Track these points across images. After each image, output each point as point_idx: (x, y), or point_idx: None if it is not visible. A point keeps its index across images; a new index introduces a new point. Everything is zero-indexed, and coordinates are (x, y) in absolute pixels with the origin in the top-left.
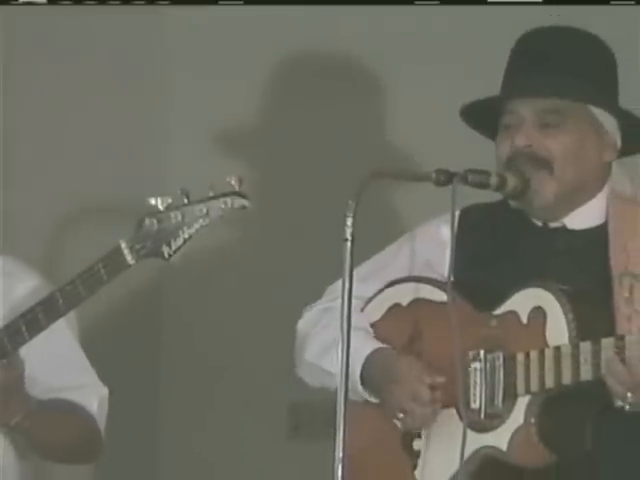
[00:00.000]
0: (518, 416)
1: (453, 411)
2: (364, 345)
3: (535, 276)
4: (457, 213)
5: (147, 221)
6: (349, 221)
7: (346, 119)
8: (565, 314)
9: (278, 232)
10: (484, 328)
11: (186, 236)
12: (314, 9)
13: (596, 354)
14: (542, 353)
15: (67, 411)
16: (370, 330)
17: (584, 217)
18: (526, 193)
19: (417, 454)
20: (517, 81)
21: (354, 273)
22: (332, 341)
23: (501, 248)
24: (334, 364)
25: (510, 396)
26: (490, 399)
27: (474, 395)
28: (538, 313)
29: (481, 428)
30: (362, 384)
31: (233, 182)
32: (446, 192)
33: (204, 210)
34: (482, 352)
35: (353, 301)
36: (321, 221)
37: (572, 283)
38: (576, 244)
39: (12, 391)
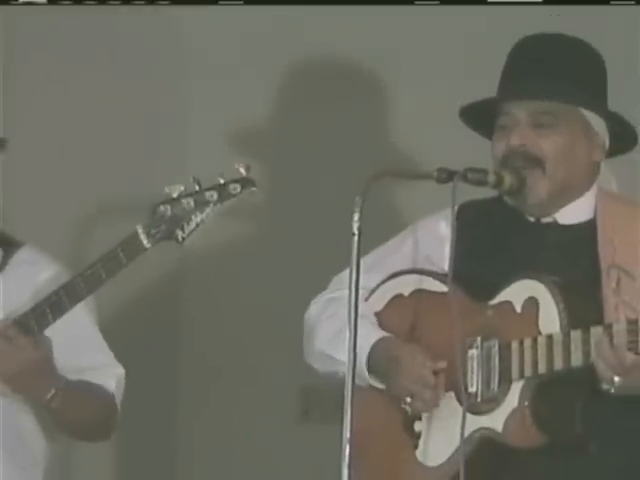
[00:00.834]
0: (513, 400)
1: (452, 395)
2: (370, 334)
3: (528, 268)
4: (455, 209)
5: (161, 207)
6: (356, 216)
7: (353, 121)
8: (557, 304)
9: (288, 227)
10: (481, 317)
11: (198, 220)
12: (314, 9)
13: (586, 341)
14: (535, 341)
15: (89, 390)
16: (374, 319)
17: (574, 213)
18: (521, 190)
19: (418, 435)
20: (513, 84)
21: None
22: (340, 330)
23: (496, 242)
24: (342, 352)
25: (505, 381)
26: (486, 384)
27: (471, 380)
28: (531, 303)
29: (478, 411)
30: (368, 371)
31: (242, 169)
32: (446, 189)
33: (215, 196)
34: (479, 339)
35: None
36: (330, 216)
37: (563, 275)
38: (567, 238)
39: (44, 369)
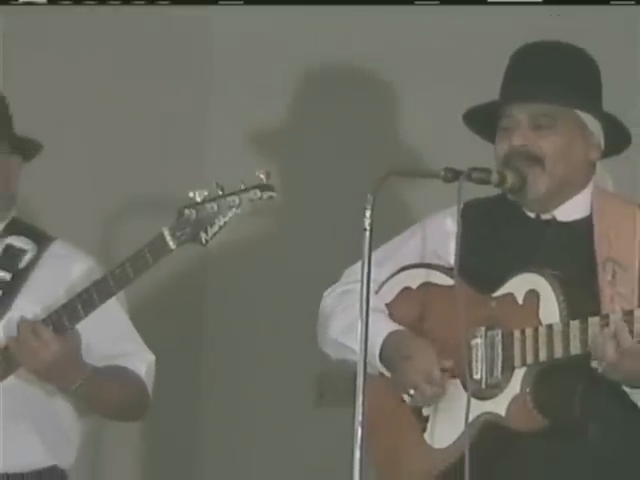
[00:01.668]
0: (515, 386)
1: (458, 382)
2: (383, 326)
3: (529, 262)
4: (461, 206)
5: (186, 211)
6: (368, 213)
7: (364, 122)
8: (556, 296)
9: (304, 223)
10: (485, 308)
11: (221, 224)
12: (314, 9)
13: (584, 331)
14: (536, 330)
15: (120, 375)
16: (386, 311)
17: (572, 210)
18: (523, 188)
19: (426, 419)
20: (514, 88)
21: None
22: (353, 320)
23: (499, 238)
24: (355, 340)
25: (508, 368)
26: (490, 371)
27: (476, 367)
28: (532, 295)
29: (482, 396)
30: (380, 360)
31: (262, 176)
32: (452, 188)
33: (237, 201)
34: (483, 329)
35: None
36: (343, 213)
37: (562, 268)
38: (565, 234)
39: (70, 362)
